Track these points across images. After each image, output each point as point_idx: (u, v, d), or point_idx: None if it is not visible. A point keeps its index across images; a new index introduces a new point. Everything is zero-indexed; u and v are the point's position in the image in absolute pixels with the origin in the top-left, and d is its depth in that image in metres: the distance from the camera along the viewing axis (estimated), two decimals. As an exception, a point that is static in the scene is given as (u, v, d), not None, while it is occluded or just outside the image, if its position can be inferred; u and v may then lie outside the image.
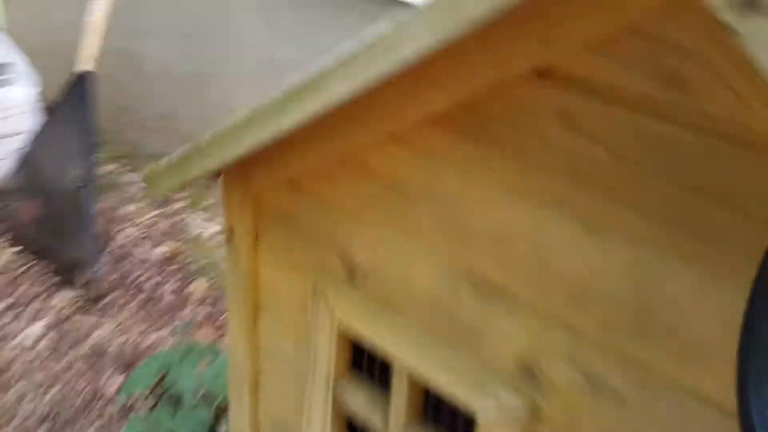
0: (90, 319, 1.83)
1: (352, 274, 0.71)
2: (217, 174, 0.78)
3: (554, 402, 0.56)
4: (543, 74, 0.50)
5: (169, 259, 2.05)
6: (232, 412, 0.92)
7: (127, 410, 1.57)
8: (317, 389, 0.78)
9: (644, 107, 0.46)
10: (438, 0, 0.46)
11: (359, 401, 0.75)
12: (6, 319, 1.82)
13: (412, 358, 0.67)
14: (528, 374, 0.57)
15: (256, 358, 0.87)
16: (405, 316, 0.67)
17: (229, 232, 0.82)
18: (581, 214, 0.51)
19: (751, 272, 0.41)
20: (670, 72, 0.44)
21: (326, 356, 0.76)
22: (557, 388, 0.56)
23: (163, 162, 0.76)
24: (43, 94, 2.21)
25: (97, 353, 1.73)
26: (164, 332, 1.80)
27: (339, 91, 0.55)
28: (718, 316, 0.46)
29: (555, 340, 0.55)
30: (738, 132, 0.43)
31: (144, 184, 0.81)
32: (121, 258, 2.03)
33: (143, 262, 2.03)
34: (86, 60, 1.87)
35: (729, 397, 0.43)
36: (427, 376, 0.65)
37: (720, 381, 0.46)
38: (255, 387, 0.88)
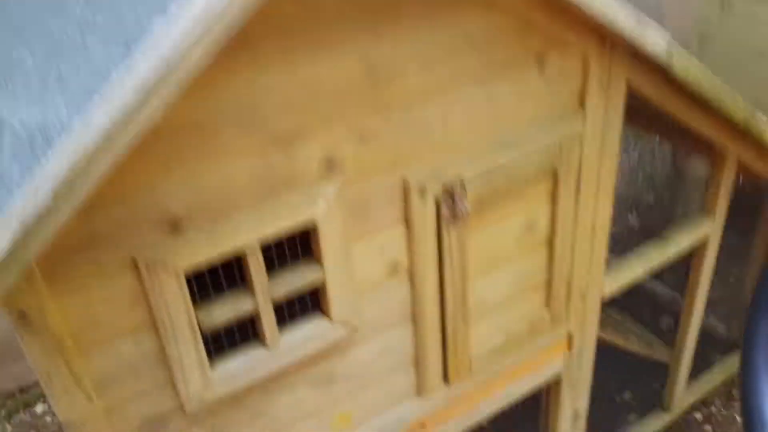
0: None
1: (176, 226, 0.81)
2: None
3: (347, 164, 0.92)
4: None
5: None
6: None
7: None
8: (184, 345, 0.87)
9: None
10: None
11: (224, 311, 0.90)
12: None
13: (254, 235, 0.87)
14: (329, 165, 0.90)
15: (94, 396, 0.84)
16: (239, 214, 0.85)
17: (20, 318, 0.73)
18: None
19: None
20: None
21: (182, 310, 0.85)
22: (346, 155, 0.91)
23: None
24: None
25: None
26: None
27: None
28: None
29: (334, 132, 0.89)
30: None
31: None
32: None
33: None
34: None
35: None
36: (271, 232, 0.88)
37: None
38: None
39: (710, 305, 2.24)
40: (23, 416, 2.03)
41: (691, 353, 1.81)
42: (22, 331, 0.74)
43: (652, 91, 1.20)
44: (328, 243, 0.93)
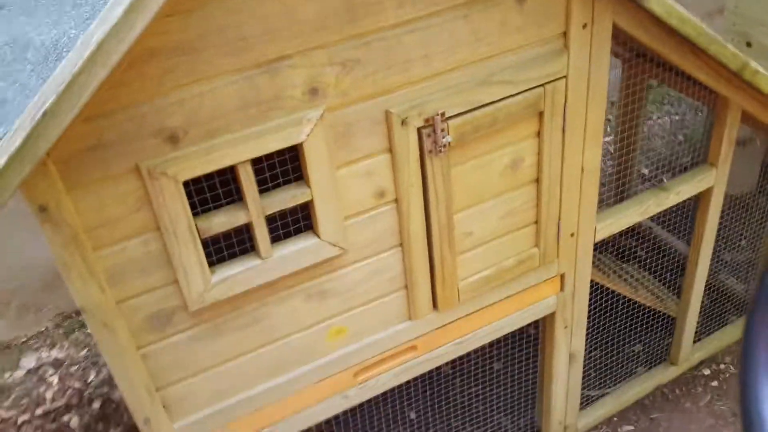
0: None
1: (174, 139, 0.93)
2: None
3: (330, 91, 1.02)
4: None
5: None
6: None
7: None
8: (185, 248, 1.00)
9: None
10: None
11: (221, 220, 1.03)
12: None
13: (244, 153, 0.99)
14: (313, 91, 1.01)
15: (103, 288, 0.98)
16: (230, 134, 0.97)
17: (41, 210, 0.86)
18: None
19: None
20: None
21: (183, 216, 0.98)
22: (328, 83, 1.01)
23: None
24: None
25: None
26: None
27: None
28: None
29: (316, 60, 0.99)
30: None
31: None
32: None
33: None
34: None
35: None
36: (260, 151, 1.00)
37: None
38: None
39: (732, 266, 2.27)
40: (78, 335, 2.24)
41: (697, 307, 1.86)
42: (43, 224, 0.88)
43: (642, 34, 1.25)
44: (313, 166, 1.04)
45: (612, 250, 2.20)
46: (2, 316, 2.19)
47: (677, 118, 3.20)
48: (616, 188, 2.26)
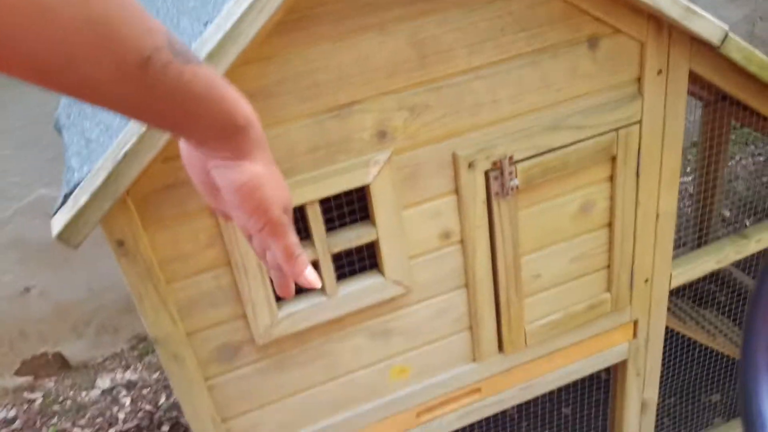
0: None
1: (247, 179, 0.97)
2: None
3: (398, 135, 1.04)
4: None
5: None
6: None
7: None
8: (254, 283, 1.03)
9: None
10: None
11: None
12: None
13: (313, 193, 1.01)
14: (381, 135, 1.03)
15: (179, 326, 1.02)
16: (300, 175, 1.00)
17: (119, 245, 0.91)
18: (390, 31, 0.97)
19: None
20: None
21: (252, 253, 1.01)
22: (396, 126, 1.03)
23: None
24: None
25: None
26: None
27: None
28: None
29: (385, 105, 1.01)
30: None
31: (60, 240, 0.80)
32: None
33: None
34: None
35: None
36: (328, 193, 1.02)
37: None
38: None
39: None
40: (151, 358, 2.32)
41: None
42: (120, 257, 0.93)
43: (720, 80, 1.22)
44: (380, 206, 1.06)
45: (689, 295, 2.12)
46: (82, 336, 2.30)
47: (761, 159, 3.07)
48: (697, 231, 2.18)
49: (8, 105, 1.88)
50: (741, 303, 2.06)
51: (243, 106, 0.50)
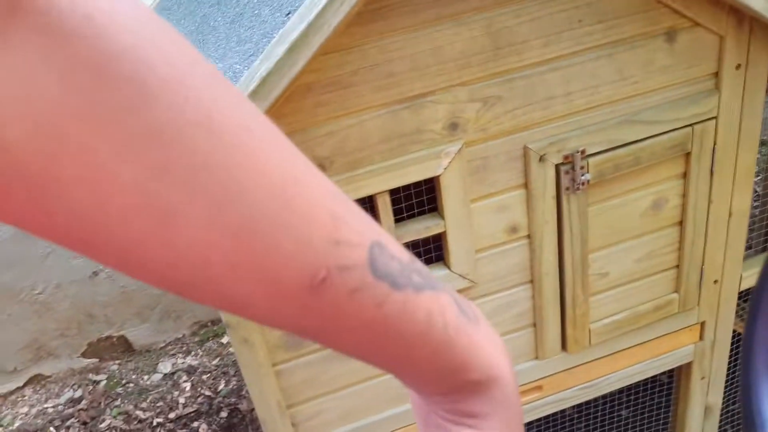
0: None
1: (321, 168, 0.98)
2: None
3: (470, 127, 1.04)
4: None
5: None
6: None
7: None
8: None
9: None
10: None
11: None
12: None
13: (384, 184, 1.02)
14: (453, 126, 1.03)
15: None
16: (372, 165, 1.01)
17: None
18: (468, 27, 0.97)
19: None
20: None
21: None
22: (468, 118, 1.03)
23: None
24: None
25: None
26: None
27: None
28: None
29: (458, 97, 1.02)
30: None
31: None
32: None
33: None
34: None
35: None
36: (398, 183, 1.03)
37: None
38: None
39: None
40: (211, 344, 2.37)
41: None
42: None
43: (802, 77, 1.18)
44: (449, 198, 1.06)
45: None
46: (146, 320, 2.37)
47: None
48: (764, 233, 2.11)
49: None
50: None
51: (484, 355, 0.34)
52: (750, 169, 1.25)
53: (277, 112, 0.90)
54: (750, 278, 1.40)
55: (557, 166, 1.10)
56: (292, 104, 0.91)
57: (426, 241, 1.12)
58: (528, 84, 1.03)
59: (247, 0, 0.99)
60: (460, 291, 1.16)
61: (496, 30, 0.98)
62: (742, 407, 0.44)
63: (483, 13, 0.96)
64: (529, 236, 1.16)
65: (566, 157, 1.10)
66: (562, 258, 1.20)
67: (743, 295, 1.47)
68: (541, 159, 1.09)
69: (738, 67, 1.14)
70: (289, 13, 0.85)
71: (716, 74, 1.14)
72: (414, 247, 1.12)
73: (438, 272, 1.12)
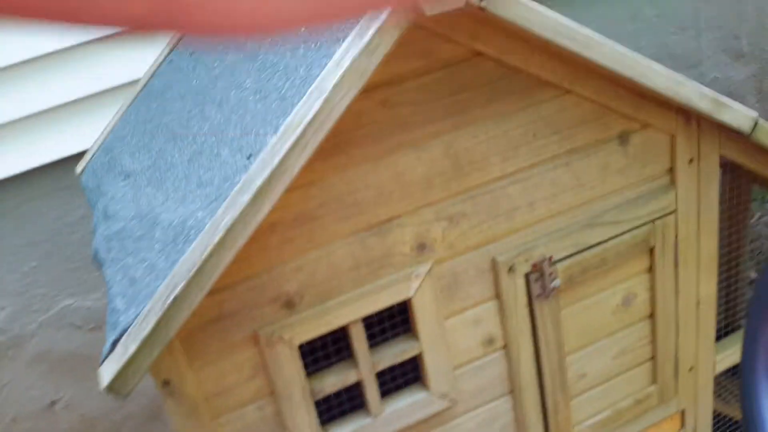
0: None
1: (290, 304, 0.95)
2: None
3: (438, 246, 1.03)
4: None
5: None
6: None
7: None
8: (298, 411, 1.00)
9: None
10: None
11: (332, 381, 1.02)
12: None
13: (356, 312, 1.00)
14: (421, 247, 1.02)
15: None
16: (343, 294, 0.98)
17: (165, 385, 0.88)
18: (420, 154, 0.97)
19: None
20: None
21: (297, 379, 0.98)
22: (436, 237, 1.02)
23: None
24: None
25: None
26: None
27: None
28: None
29: (424, 218, 1.01)
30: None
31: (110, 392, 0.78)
32: None
33: None
34: None
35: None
36: (371, 310, 1.00)
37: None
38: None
39: None
40: None
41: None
42: (166, 398, 0.90)
43: (749, 162, 1.22)
44: (422, 319, 1.03)
45: (736, 372, 2.06)
46: (108, 447, 2.23)
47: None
48: (726, 295, 2.14)
49: (33, 218, 1.89)
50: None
51: None
52: (713, 255, 1.27)
53: (240, 255, 0.87)
54: (724, 361, 1.41)
55: (527, 275, 1.10)
56: (257, 244, 0.89)
57: (402, 362, 1.09)
58: (491, 198, 1.04)
59: (204, 138, 0.98)
60: (441, 413, 1.12)
61: (455, 151, 0.98)
62: (742, 408, 0.44)
63: (441, 136, 0.96)
64: (505, 347, 1.14)
65: (534, 266, 1.10)
66: (540, 364, 1.18)
67: (720, 376, 1.47)
68: (510, 269, 1.08)
69: (691, 161, 1.17)
70: (250, 156, 0.83)
71: (671, 170, 1.17)
72: (390, 370, 1.08)
73: (417, 395, 1.09)
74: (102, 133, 1.36)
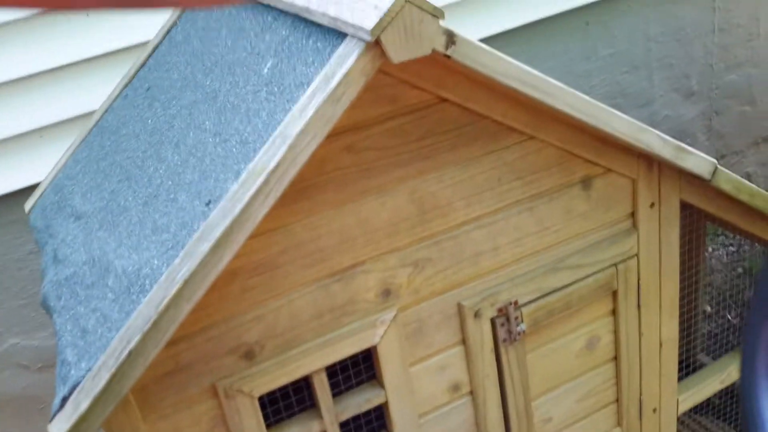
0: None
1: (250, 354, 0.91)
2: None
3: (403, 292, 1.01)
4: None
5: None
6: None
7: None
8: (258, 464, 0.96)
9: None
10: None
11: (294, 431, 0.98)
12: None
13: (319, 361, 0.96)
14: (385, 293, 0.99)
15: None
16: (305, 343, 0.95)
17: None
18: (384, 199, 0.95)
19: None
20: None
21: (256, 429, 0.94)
22: (401, 283, 1.00)
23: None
24: None
25: None
26: None
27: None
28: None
29: (389, 264, 0.99)
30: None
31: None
32: None
33: None
34: None
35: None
36: (334, 359, 0.97)
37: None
38: None
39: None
40: None
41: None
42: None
43: (709, 206, 1.23)
44: (387, 367, 1.01)
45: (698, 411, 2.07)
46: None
47: (733, 249, 3.13)
48: (684, 330, 2.16)
49: (-25, 256, 1.81)
50: (734, 404, 2.03)
51: None
52: (674, 298, 1.27)
53: (199, 304, 0.84)
54: (687, 401, 1.41)
55: (492, 320, 1.08)
56: (216, 293, 0.86)
57: (366, 411, 1.06)
58: (456, 243, 1.02)
59: (161, 181, 0.94)
60: (406, 462, 1.09)
61: (420, 196, 0.97)
62: (742, 408, 0.44)
63: (407, 182, 0.95)
64: (471, 392, 1.12)
65: (500, 310, 1.08)
66: (507, 409, 1.16)
67: (683, 416, 1.47)
68: (476, 315, 1.06)
69: (652, 205, 1.17)
70: (209, 203, 0.80)
71: (632, 214, 1.17)
72: (355, 419, 1.05)
73: (381, 445, 1.06)
74: (52, 169, 1.31)
